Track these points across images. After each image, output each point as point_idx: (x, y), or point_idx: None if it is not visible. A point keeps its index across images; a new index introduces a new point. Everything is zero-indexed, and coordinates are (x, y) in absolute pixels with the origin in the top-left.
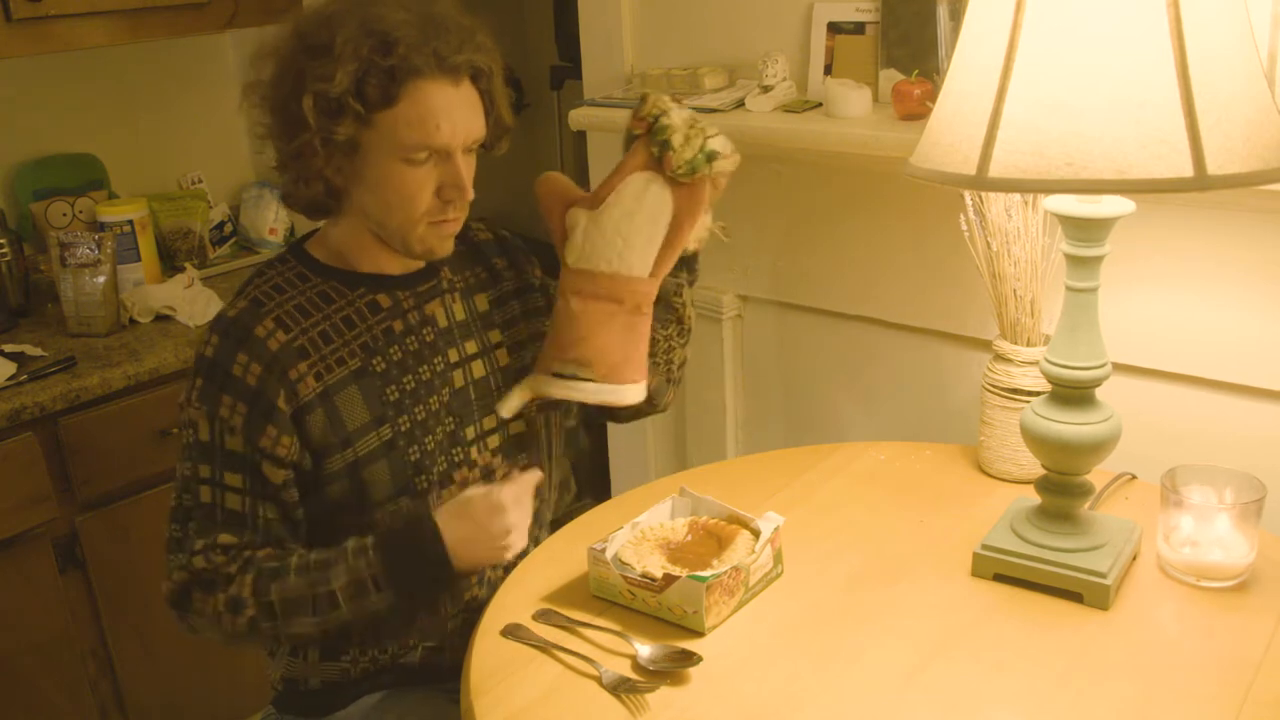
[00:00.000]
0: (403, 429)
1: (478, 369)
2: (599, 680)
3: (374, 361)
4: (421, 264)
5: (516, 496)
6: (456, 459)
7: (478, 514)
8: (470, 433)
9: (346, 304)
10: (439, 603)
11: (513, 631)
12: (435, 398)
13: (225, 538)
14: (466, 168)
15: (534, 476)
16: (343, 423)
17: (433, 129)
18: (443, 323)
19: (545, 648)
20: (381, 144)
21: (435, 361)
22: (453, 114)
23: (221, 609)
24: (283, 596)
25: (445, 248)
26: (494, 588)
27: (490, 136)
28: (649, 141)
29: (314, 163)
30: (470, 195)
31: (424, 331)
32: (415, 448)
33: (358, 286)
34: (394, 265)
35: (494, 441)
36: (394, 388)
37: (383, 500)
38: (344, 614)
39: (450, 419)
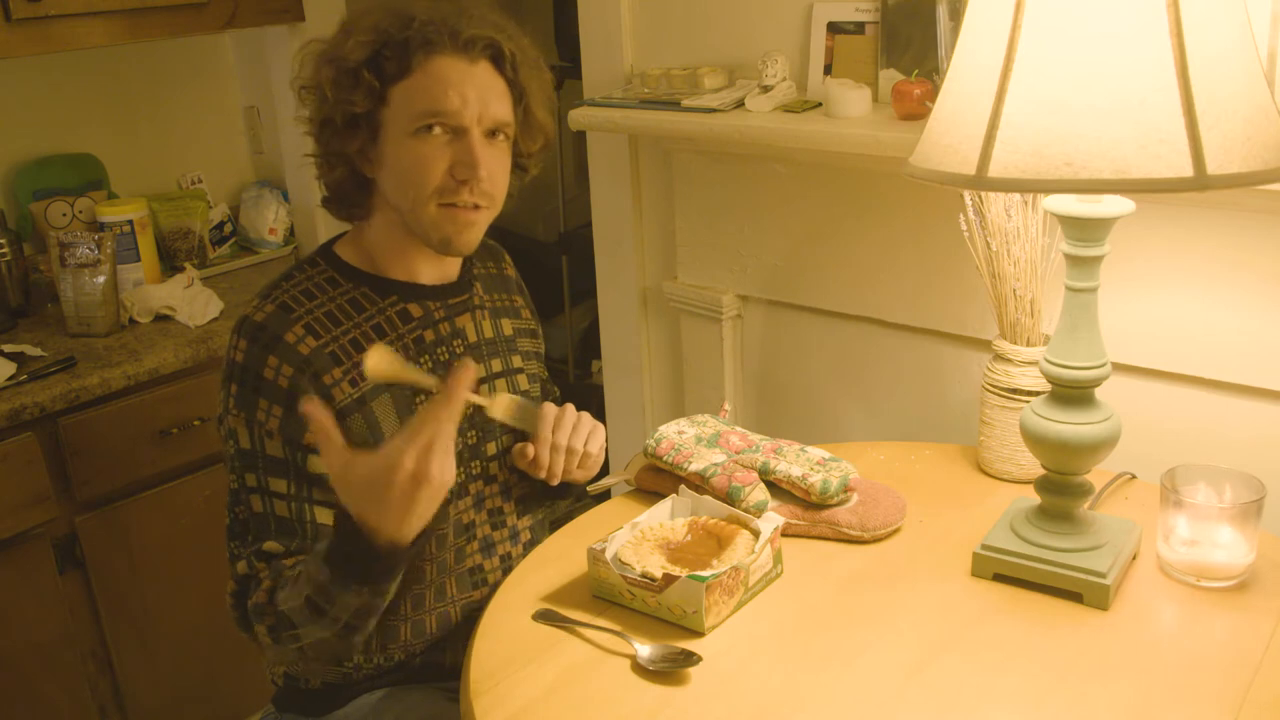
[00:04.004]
0: None
1: (502, 388)
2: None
3: None
4: (455, 275)
5: (418, 437)
6: (474, 472)
7: (369, 475)
8: (492, 448)
9: (377, 311)
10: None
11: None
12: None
13: (270, 545)
14: (491, 156)
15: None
16: (380, 430)
17: (440, 94)
18: (472, 337)
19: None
20: (397, 119)
21: None
22: (464, 87)
23: (252, 617)
24: (288, 605)
25: (463, 240)
26: (494, 587)
27: (522, 132)
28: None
29: (334, 141)
30: (483, 176)
31: (454, 343)
32: None
33: (389, 294)
34: (427, 273)
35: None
36: (424, 396)
37: None
38: (333, 616)
39: (473, 432)
